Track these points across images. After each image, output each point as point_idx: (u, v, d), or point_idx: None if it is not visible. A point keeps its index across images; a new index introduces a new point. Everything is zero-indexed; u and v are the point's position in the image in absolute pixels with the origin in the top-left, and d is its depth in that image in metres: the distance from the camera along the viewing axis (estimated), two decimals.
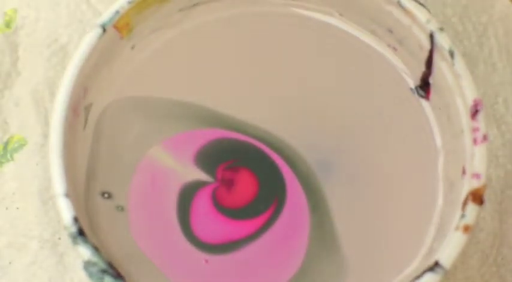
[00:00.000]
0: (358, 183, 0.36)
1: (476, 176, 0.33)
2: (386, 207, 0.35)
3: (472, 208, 0.33)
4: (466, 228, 0.32)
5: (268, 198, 0.36)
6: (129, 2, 0.35)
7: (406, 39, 0.36)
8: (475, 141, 0.33)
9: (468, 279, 0.38)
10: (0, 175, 0.39)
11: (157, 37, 0.37)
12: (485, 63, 0.40)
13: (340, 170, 0.36)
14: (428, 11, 0.35)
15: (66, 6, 0.40)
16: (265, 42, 0.37)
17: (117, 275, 0.32)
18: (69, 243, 0.35)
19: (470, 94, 0.34)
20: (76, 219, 0.32)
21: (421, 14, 0.35)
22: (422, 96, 0.36)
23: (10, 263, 0.38)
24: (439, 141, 0.36)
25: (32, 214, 0.38)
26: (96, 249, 0.32)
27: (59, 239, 0.38)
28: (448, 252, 0.32)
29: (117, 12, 0.34)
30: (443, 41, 0.34)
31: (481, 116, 0.34)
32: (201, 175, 0.36)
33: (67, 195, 0.33)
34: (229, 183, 0.36)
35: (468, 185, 0.33)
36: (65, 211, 0.32)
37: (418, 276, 0.32)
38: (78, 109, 0.34)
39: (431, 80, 0.36)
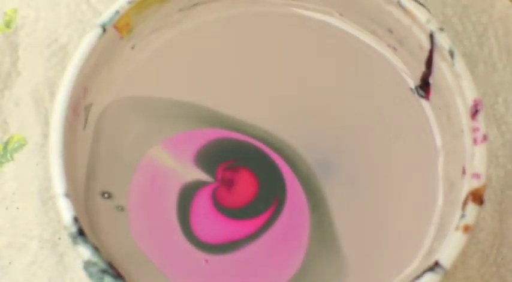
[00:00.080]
0: (358, 183, 0.36)
1: (476, 176, 0.33)
2: (386, 207, 0.35)
3: (472, 208, 0.33)
4: (466, 228, 0.32)
5: (268, 198, 0.36)
6: (129, 2, 0.35)
7: (406, 39, 0.36)
8: (475, 141, 0.33)
9: (468, 279, 0.38)
10: (0, 175, 0.39)
11: (157, 37, 0.37)
12: (485, 63, 0.40)
13: (340, 170, 0.36)
14: (428, 11, 0.35)
15: (66, 6, 0.40)
16: (265, 42, 0.37)
17: (117, 275, 0.32)
18: (69, 243, 0.35)
19: (470, 94, 0.34)
20: (76, 219, 0.32)
21: (421, 14, 0.35)
22: (422, 96, 0.36)
23: (10, 263, 0.38)
24: (439, 141, 0.36)
25: (32, 214, 0.38)
26: (96, 249, 0.32)
27: (59, 239, 0.38)
28: (448, 252, 0.32)
29: (117, 12, 0.34)
30: (443, 41, 0.34)
31: (481, 116, 0.34)
32: (201, 175, 0.36)
33: (67, 195, 0.33)
34: (229, 183, 0.36)
35: (468, 185, 0.33)
36: (65, 211, 0.32)
37: (418, 276, 0.32)
38: (78, 109, 0.34)
39: (431, 80, 0.36)
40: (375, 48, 0.37)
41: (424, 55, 0.35)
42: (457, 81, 0.34)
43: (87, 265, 0.32)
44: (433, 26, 0.34)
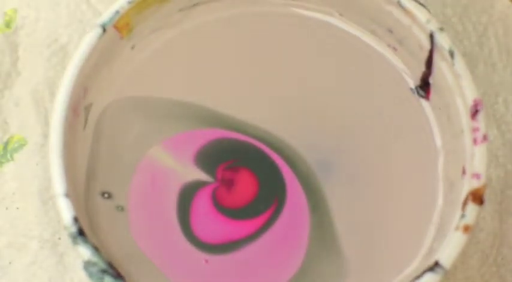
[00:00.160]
0: (358, 183, 0.36)
1: (476, 176, 0.33)
2: (386, 207, 0.35)
3: (472, 208, 0.33)
4: (466, 228, 0.32)
5: (268, 198, 0.36)
6: (129, 2, 0.35)
7: (406, 39, 0.36)
8: (475, 141, 0.33)
9: (468, 279, 0.38)
10: (0, 175, 0.39)
11: (157, 37, 0.37)
12: (485, 63, 0.40)
13: (340, 170, 0.36)
14: (428, 11, 0.35)
15: (66, 6, 0.40)
16: (265, 42, 0.37)
17: (117, 275, 0.32)
18: (69, 243, 0.35)
19: (470, 94, 0.34)
20: (76, 219, 0.32)
21: (421, 14, 0.35)
22: (422, 96, 0.36)
23: (10, 263, 0.38)
24: (439, 141, 0.36)
25: (32, 214, 0.38)
26: (96, 249, 0.32)
27: (59, 239, 0.38)
28: (448, 252, 0.32)
29: (117, 12, 0.34)
30: (443, 41, 0.34)
31: (481, 116, 0.34)
32: (201, 175, 0.36)
33: (67, 195, 0.33)
34: (229, 183, 0.36)
35: (468, 185, 0.33)
36: (65, 211, 0.32)
37: (418, 276, 0.32)
38: (78, 109, 0.34)
39: (431, 80, 0.36)
40: (375, 48, 0.37)
41: (424, 55, 0.35)
42: (457, 81, 0.34)
43: (87, 265, 0.32)
44: (433, 26, 0.34)
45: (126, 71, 0.36)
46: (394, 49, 0.37)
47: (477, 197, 0.33)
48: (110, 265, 0.32)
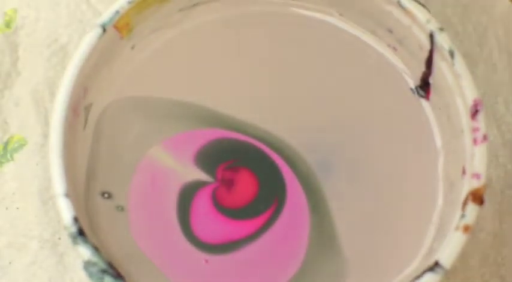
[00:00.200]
0: (358, 183, 0.36)
1: (476, 176, 0.33)
2: (386, 207, 0.35)
3: (472, 208, 0.33)
4: (466, 228, 0.32)
5: (268, 198, 0.36)
6: (129, 2, 0.35)
7: (406, 39, 0.36)
8: (475, 141, 0.33)
9: (468, 279, 0.38)
10: (0, 175, 0.39)
11: (157, 37, 0.37)
12: (485, 63, 0.40)
13: (340, 170, 0.36)
14: (428, 11, 0.35)
15: (66, 6, 0.40)
16: (265, 42, 0.37)
17: (117, 275, 0.32)
18: (69, 243, 0.35)
19: (470, 94, 0.34)
20: (76, 219, 0.32)
21: (421, 14, 0.35)
22: (422, 96, 0.36)
23: (10, 263, 0.38)
24: (439, 141, 0.36)
25: (32, 214, 0.38)
26: (96, 249, 0.32)
27: (59, 239, 0.38)
28: (448, 252, 0.32)
29: (117, 12, 0.34)
30: (443, 41, 0.34)
31: (481, 116, 0.34)
32: (201, 175, 0.36)
33: (67, 195, 0.33)
34: (229, 183, 0.36)
35: (468, 185, 0.33)
36: (65, 211, 0.32)
37: (418, 276, 0.32)
38: (78, 109, 0.34)
39: (431, 80, 0.36)
40: (375, 48, 0.37)
41: (424, 55, 0.35)
42: (457, 81, 0.34)
43: (87, 265, 0.32)
44: (433, 26, 0.34)
45: (126, 71, 0.36)
46: (394, 49, 0.37)
47: (477, 197, 0.33)
48: (110, 265, 0.32)
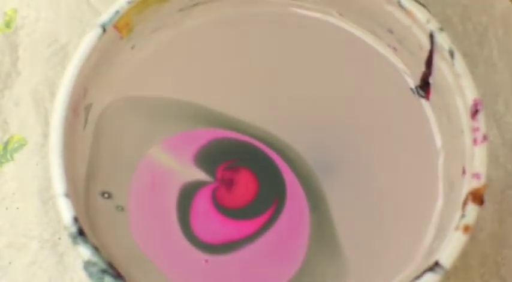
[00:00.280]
0: (358, 183, 0.36)
1: (476, 176, 0.33)
2: (386, 207, 0.35)
3: (472, 208, 0.33)
4: (466, 228, 0.32)
5: (268, 198, 0.36)
6: (129, 2, 0.35)
7: (406, 39, 0.36)
8: (475, 141, 0.33)
9: (468, 279, 0.38)
10: (0, 175, 0.39)
11: (157, 37, 0.37)
12: (485, 63, 0.40)
13: (340, 170, 0.36)
14: (428, 11, 0.35)
15: (66, 6, 0.40)
16: (265, 42, 0.37)
17: (117, 275, 0.32)
18: (69, 243, 0.35)
19: (470, 94, 0.34)
20: (76, 219, 0.32)
21: (421, 14, 0.35)
22: (422, 96, 0.36)
23: (10, 263, 0.38)
24: (439, 141, 0.36)
25: (32, 214, 0.38)
26: (96, 249, 0.32)
27: (59, 239, 0.38)
28: (448, 252, 0.32)
29: (117, 12, 0.34)
30: (443, 41, 0.34)
31: (481, 116, 0.33)
32: (201, 175, 0.36)
33: (67, 195, 0.33)
34: (229, 183, 0.36)
35: (468, 185, 0.33)
36: (65, 211, 0.32)
37: (418, 276, 0.32)
38: (78, 109, 0.34)
39: (431, 80, 0.36)
40: (375, 48, 0.37)
41: (424, 55, 0.35)
42: (457, 81, 0.34)
43: (87, 265, 0.32)
44: (433, 26, 0.34)
45: (126, 71, 0.36)
46: (394, 49, 0.37)
47: (477, 197, 0.33)
48: (110, 265, 0.32)
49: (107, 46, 0.35)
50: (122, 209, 0.35)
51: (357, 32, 0.37)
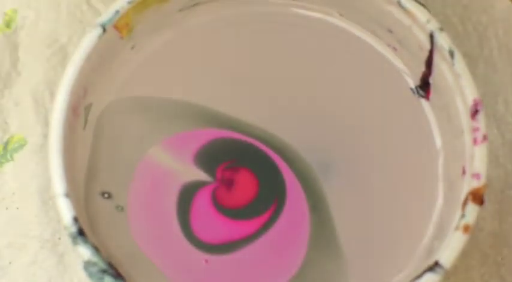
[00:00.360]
0: (358, 183, 0.36)
1: (476, 176, 0.33)
2: (386, 207, 0.35)
3: (472, 208, 0.33)
4: (466, 228, 0.32)
5: (268, 198, 0.36)
6: (129, 2, 0.35)
7: (406, 39, 0.36)
8: (475, 141, 0.33)
9: (468, 279, 0.38)
10: (0, 175, 0.39)
11: (157, 37, 0.37)
12: (485, 63, 0.40)
13: (340, 169, 0.36)
14: (428, 11, 0.35)
15: (66, 6, 0.40)
16: (265, 42, 0.37)
17: (117, 275, 0.32)
18: (69, 243, 0.35)
19: (470, 94, 0.34)
20: (76, 219, 0.32)
21: (421, 14, 0.35)
22: (422, 96, 0.36)
23: (10, 263, 0.38)
24: (439, 141, 0.36)
25: (32, 214, 0.38)
26: (96, 249, 0.32)
27: (59, 239, 0.38)
28: (448, 252, 0.32)
29: (117, 12, 0.34)
30: (443, 41, 0.34)
31: (481, 116, 0.33)
32: (201, 175, 0.36)
33: (67, 195, 0.33)
34: (229, 183, 0.36)
35: (468, 185, 0.33)
36: (65, 211, 0.32)
37: (418, 276, 0.32)
38: (78, 109, 0.34)
39: (431, 80, 0.36)
40: (375, 48, 0.37)
41: (424, 55, 0.35)
42: (457, 81, 0.34)
43: (87, 265, 0.32)
44: (433, 26, 0.34)
45: (126, 71, 0.36)
46: (394, 49, 0.37)
47: (477, 197, 0.33)
48: (110, 265, 0.32)
49: (107, 46, 0.35)
50: (122, 209, 0.35)
51: (357, 32, 0.37)
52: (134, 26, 0.36)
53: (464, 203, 0.33)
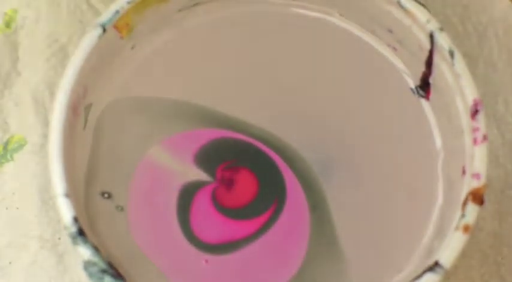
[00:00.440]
0: (358, 183, 0.36)
1: (476, 176, 0.33)
2: (386, 206, 0.35)
3: (472, 208, 0.33)
4: (466, 228, 0.32)
5: (268, 198, 0.36)
6: (129, 2, 0.35)
7: (406, 39, 0.36)
8: (475, 141, 0.33)
9: (468, 279, 0.38)
10: (0, 175, 0.39)
11: (157, 37, 0.37)
12: (485, 63, 0.40)
13: (340, 169, 0.36)
14: (428, 11, 0.35)
15: (66, 6, 0.40)
16: (265, 42, 0.37)
17: (117, 275, 0.32)
18: (69, 243, 0.35)
19: (470, 94, 0.34)
20: (76, 219, 0.32)
21: (421, 14, 0.35)
22: (422, 96, 0.36)
23: (10, 263, 0.38)
24: (439, 141, 0.36)
25: (32, 214, 0.38)
26: (96, 249, 0.32)
27: (59, 239, 0.38)
28: (448, 252, 0.32)
29: (117, 12, 0.34)
30: (443, 41, 0.34)
31: (481, 116, 0.34)
32: (201, 175, 0.36)
33: (67, 195, 0.33)
34: (229, 183, 0.36)
35: (468, 185, 0.33)
36: (65, 211, 0.32)
37: (418, 276, 0.32)
38: (78, 109, 0.34)
39: (431, 80, 0.36)
40: (375, 48, 0.37)
41: (424, 55, 0.35)
42: (457, 81, 0.34)
43: (87, 265, 0.32)
44: (433, 26, 0.34)
45: (126, 71, 0.36)
46: (394, 49, 0.37)
47: (477, 197, 0.33)
48: (110, 265, 0.32)
49: (107, 46, 0.35)
50: (122, 209, 0.35)
51: (357, 32, 0.37)
52: (134, 26, 0.36)
53: (464, 203, 0.33)
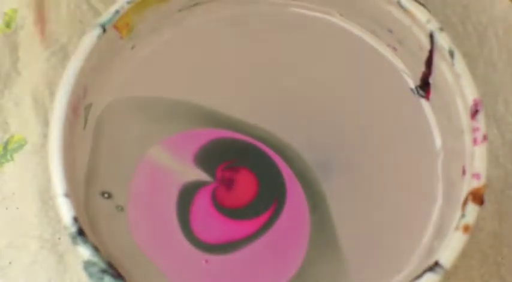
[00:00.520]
0: (358, 183, 0.36)
1: (476, 176, 0.33)
2: (386, 207, 0.35)
3: (472, 208, 0.33)
4: (466, 228, 0.32)
5: (268, 198, 0.36)
6: (129, 2, 0.35)
7: (406, 39, 0.36)
8: (475, 141, 0.33)
9: (468, 279, 0.38)
10: (0, 175, 0.39)
11: (157, 37, 0.37)
12: (485, 63, 0.40)
13: (340, 170, 0.36)
14: (429, 11, 0.35)
15: (66, 6, 0.40)
16: (265, 42, 0.37)
17: (117, 275, 0.32)
18: (69, 243, 0.35)
19: (470, 94, 0.34)
20: (76, 219, 0.32)
21: (421, 14, 0.35)
22: (422, 96, 0.36)
23: (10, 263, 0.38)
24: (439, 141, 0.36)
25: (32, 214, 0.38)
26: (96, 249, 0.32)
27: (59, 239, 0.38)
28: (448, 252, 0.32)
29: (116, 12, 0.34)
30: (443, 41, 0.34)
31: (481, 116, 0.33)
32: (201, 175, 0.36)
33: (67, 195, 0.33)
34: (229, 183, 0.36)
35: (468, 185, 0.33)
36: (65, 211, 0.32)
37: (418, 276, 0.32)
38: (78, 109, 0.34)
39: (431, 80, 0.36)
40: (375, 48, 0.37)
41: (424, 55, 0.35)
42: (457, 81, 0.34)
43: (87, 265, 0.32)
44: (433, 26, 0.34)
45: (126, 71, 0.36)
46: (394, 49, 0.37)
47: (477, 197, 0.33)
48: (110, 265, 0.32)
49: (107, 46, 0.35)
50: (122, 209, 0.35)
51: (357, 31, 0.37)
52: (134, 26, 0.36)
53: (464, 203, 0.33)
